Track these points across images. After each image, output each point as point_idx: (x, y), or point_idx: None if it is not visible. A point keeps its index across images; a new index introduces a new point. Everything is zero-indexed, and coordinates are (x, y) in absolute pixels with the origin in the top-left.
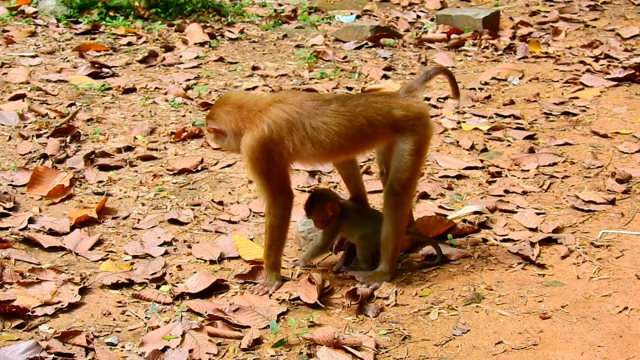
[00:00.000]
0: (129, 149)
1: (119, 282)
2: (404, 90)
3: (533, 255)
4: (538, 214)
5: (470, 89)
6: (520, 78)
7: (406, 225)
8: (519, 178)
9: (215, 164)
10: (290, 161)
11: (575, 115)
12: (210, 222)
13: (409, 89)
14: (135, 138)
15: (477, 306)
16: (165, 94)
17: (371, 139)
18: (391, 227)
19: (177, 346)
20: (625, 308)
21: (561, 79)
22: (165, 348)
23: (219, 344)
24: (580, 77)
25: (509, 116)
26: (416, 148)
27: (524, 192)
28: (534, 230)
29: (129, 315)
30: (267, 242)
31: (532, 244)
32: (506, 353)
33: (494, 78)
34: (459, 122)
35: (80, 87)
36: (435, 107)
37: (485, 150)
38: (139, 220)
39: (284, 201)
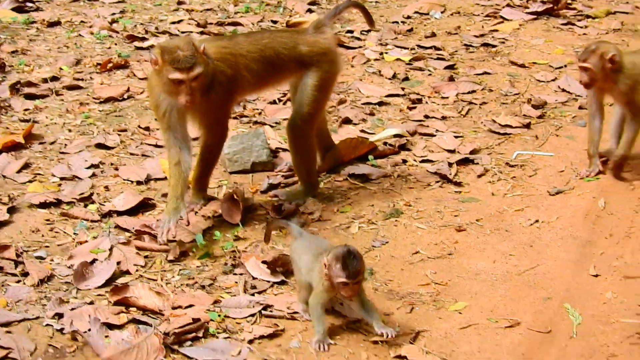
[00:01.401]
0: (54, 79)
1: (47, 201)
2: (312, 26)
3: (450, 174)
4: (456, 137)
5: (393, 22)
6: (442, 12)
7: (313, 151)
8: (438, 104)
9: (142, 93)
10: (229, 93)
11: (494, 46)
12: (137, 147)
13: (318, 25)
14: (60, 69)
15: (395, 220)
16: (91, 27)
17: (280, 72)
18: (297, 156)
19: (105, 259)
20: (536, 221)
21: (482, 13)
22: (94, 261)
23: (146, 257)
24: (500, 11)
25: (430, 47)
26: (320, 83)
27: (444, 117)
28: (452, 151)
29: (57, 232)
30: (199, 167)
31: (450, 164)
32: (422, 262)
33: (416, 12)
34: (381, 54)
35: (4, 20)
36: (358, 39)
37: (406, 79)
38: (65, 145)
39: (222, 131)
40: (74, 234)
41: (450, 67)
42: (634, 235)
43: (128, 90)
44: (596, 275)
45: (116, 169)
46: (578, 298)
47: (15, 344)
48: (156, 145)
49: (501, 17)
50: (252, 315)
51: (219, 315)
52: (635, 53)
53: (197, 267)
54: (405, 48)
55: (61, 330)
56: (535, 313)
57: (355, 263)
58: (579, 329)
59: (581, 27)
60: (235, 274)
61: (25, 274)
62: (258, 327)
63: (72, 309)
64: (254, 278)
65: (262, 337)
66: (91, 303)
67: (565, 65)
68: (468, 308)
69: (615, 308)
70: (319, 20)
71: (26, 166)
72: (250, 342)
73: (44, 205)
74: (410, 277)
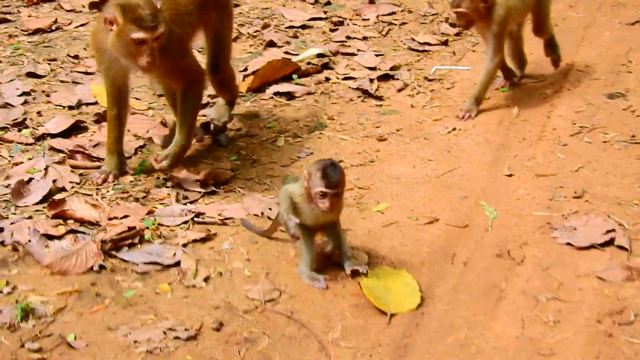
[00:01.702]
0: None
1: None
2: None
3: (372, 89)
4: (377, 55)
5: None
6: None
7: (233, 70)
8: (359, 26)
9: (69, 24)
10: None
11: None
12: (67, 74)
13: None
14: None
15: (320, 133)
16: None
17: (206, 19)
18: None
19: (41, 178)
20: (454, 129)
21: None
22: (30, 180)
23: (80, 174)
24: None
25: None
26: (230, 21)
27: (365, 38)
28: (373, 69)
29: None
30: (185, 116)
31: (371, 80)
32: (346, 169)
33: None
34: None
35: None
36: None
37: (328, 3)
38: None
39: (197, 74)
40: (10, 156)
41: None
42: (545, 139)
43: (56, 21)
44: (510, 175)
45: (47, 95)
46: (493, 196)
47: None
48: (86, 73)
49: None
50: (185, 222)
51: (153, 224)
52: None
53: (131, 182)
54: None
55: (2, 243)
56: (452, 211)
57: (335, 174)
58: (494, 223)
59: None
60: (167, 187)
61: None
62: (191, 232)
63: (12, 223)
64: (185, 190)
65: (195, 241)
66: (30, 218)
67: None
68: (390, 209)
69: (528, 203)
70: None
71: None
72: (184, 245)
73: None
74: None
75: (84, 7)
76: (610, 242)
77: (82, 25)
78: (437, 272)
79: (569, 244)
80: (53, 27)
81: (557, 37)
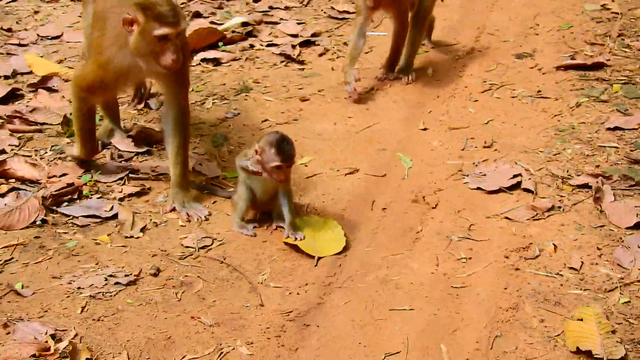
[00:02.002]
0: None
1: None
2: None
3: (294, 54)
4: (299, 23)
5: None
6: None
7: None
8: None
9: (1, 0)
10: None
11: None
12: (1, 47)
13: None
14: None
15: (246, 95)
16: None
17: None
18: None
19: None
20: (372, 89)
21: None
22: None
23: (19, 138)
24: None
25: None
26: None
27: (287, 8)
28: (295, 36)
29: None
30: (183, 152)
31: (293, 46)
32: (271, 127)
33: None
34: None
35: None
36: None
37: None
38: None
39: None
40: None
41: None
42: (458, 96)
43: None
44: (424, 129)
45: None
46: (409, 148)
47: None
48: (19, 45)
49: None
50: (121, 179)
51: (91, 180)
52: None
53: (67, 143)
54: None
55: None
56: (371, 162)
57: (288, 147)
58: (410, 172)
59: None
60: (104, 149)
61: None
62: (127, 187)
63: None
64: (120, 150)
65: (130, 195)
66: None
67: None
68: (313, 162)
69: (441, 153)
70: None
71: None
72: (121, 199)
73: None
74: None
75: None
76: (517, 186)
77: (13, 1)
78: (358, 218)
79: (479, 188)
80: None
81: (469, 5)
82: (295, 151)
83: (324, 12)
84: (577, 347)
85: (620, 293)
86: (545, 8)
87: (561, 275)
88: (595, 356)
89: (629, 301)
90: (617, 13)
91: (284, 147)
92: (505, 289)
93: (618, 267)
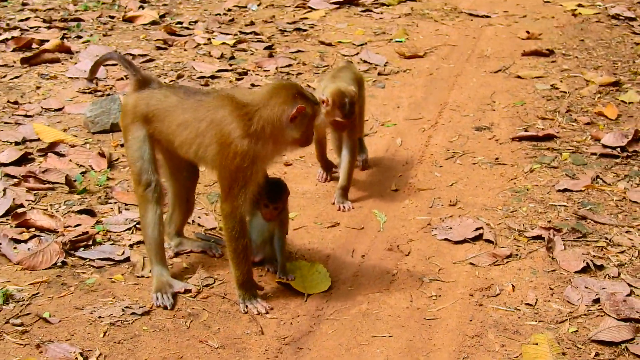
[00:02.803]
0: None
1: None
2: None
3: None
4: None
5: (216, 14)
6: (258, 5)
7: None
8: (261, 76)
9: (4, 76)
10: None
11: (305, 30)
12: (9, 117)
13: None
14: None
15: None
16: None
17: None
18: None
19: (1, 197)
20: None
21: (292, 4)
22: None
23: (35, 194)
24: (308, 2)
25: (251, 33)
26: None
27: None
28: None
29: None
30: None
31: None
32: None
33: (235, 5)
34: (209, 39)
35: None
36: (187, 28)
37: (232, 58)
38: None
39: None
40: None
41: (269, 48)
42: (425, 162)
43: None
44: (396, 190)
45: None
46: (383, 206)
47: None
48: (26, 116)
49: (309, 7)
50: (129, 228)
51: (103, 229)
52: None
53: (78, 199)
54: (229, 34)
55: None
56: (350, 217)
57: (277, 189)
58: (385, 226)
59: (378, 13)
60: (109, 203)
61: None
62: (135, 235)
63: None
64: (125, 204)
65: (139, 242)
66: None
67: (365, 43)
68: (298, 217)
69: (412, 210)
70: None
71: None
72: (131, 246)
73: None
74: None
75: (15, 62)
76: (479, 237)
77: (16, 77)
78: (340, 263)
79: (446, 239)
80: None
81: (432, 85)
82: (287, 195)
83: None
84: None
85: (570, 324)
86: (501, 87)
87: (519, 309)
88: None
89: (577, 330)
90: (565, 92)
91: (273, 189)
92: (471, 320)
93: (567, 304)
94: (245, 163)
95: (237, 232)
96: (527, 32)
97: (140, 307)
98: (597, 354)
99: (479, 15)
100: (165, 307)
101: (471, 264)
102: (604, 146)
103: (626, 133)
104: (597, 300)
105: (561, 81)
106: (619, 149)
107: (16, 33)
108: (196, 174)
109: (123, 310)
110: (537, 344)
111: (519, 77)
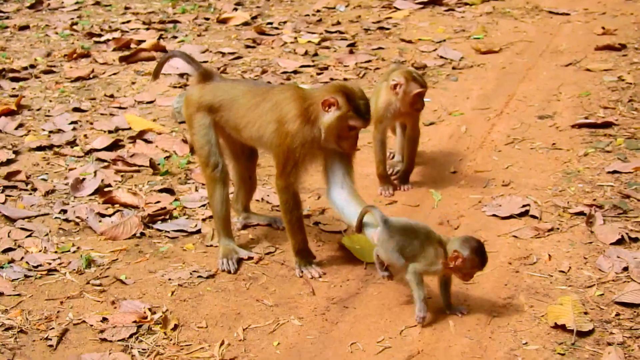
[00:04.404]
0: (32, 67)
1: (42, 145)
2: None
3: None
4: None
5: (305, 15)
6: (346, 6)
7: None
8: (341, 71)
9: (104, 73)
10: None
11: (388, 29)
12: (105, 109)
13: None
14: (35, 59)
15: None
16: (55, 28)
17: None
18: None
19: (92, 178)
20: None
21: (379, 5)
22: (84, 179)
23: (122, 176)
24: (394, 2)
25: (336, 32)
26: None
27: (345, 79)
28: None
29: (53, 164)
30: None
31: None
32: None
33: (324, 7)
34: (295, 38)
35: None
36: (276, 28)
37: (316, 55)
38: (49, 110)
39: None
40: (66, 165)
41: (352, 45)
42: (485, 147)
43: (93, 71)
44: (454, 172)
45: (91, 123)
46: (440, 185)
47: (35, 228)
48: (120, 107)
49: (394, 7)
50: (203, 205)
51: (180, 205)
52: None
53: (160, 180)
54: (315, 33)
55: (66, 220)
56: (408, 195)
57: (486, 255)
58: (439, 203)
59: (460, 12)
60: (187, 184)
61: (34, 189)
62: (208, 211)
63: (73, 207)
64: (202, 184)
65: (211, 217)
66: (85, 203)
67: (444, 40)
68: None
69: (466, 190)
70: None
71: (20, 125)
72: (204, 220)
73: (40, 148)
74: None
75: (114, 60)
76: (525, 213)
77: (114, 74)
78: None
79: (494, 215)
80: (91, 76)
81: (503, 78)
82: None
83: (376, 82)
84: (555, 323)
85: (597, 288)
86: (569, 80)
87: (552, 276)
88: (568, 329)
89: (603, 294)
90: (631, 83)
91: (484, 255)
92: (505, 285)
93: (598, 271)
94: (294, 144)
95: (291, 206)
96: (603, 27)
97: (206, 271)
98: (617, 314)
99: (559, 13)
100: (229, 272)
101: (514, 236)
102: None
103: None
104: (626, 268)
105: (629, 73)
106: None
107: (117, 34)
108: (255, 155)
109: (190, 274)
110: (562, 304)
111: (588, 70)
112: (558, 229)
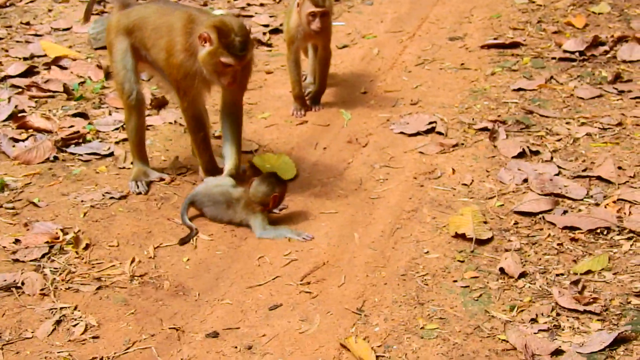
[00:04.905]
0: None
1: None
2: None
3: (264, 39)
4: (270, 16)
5: None
6: None
7: None
8: None
9: (21, 1)
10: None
11: None
12: (21, 37)
13: None
14: None
15: None
16: None
17: None
18: None
19: (6, 104)
20: None
21: None
22: None
23: (36, 101)
24: None
25: None
26: None
27: (262, 4)
28: (267, 26)
29: None
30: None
31: (264, 33)
32: None
33: None
34: None
35: None
36: None
37: None
38: None
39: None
40: None
41: None
42: (395, 68)
43: None
44: (364, 92)
45: (6, 51)
46: (350, 105)
47: None
48: (36, 35)
49: None
50: (117, 128)
51: (93, 129)
52: None
53: (74, 105)
54: None
55: None
56: (318, 115)
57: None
58: (349, 123)
59: None
60: (101, 108)
61: None
62: (121, 134)
63: None
64: (116, 108)
65: (124, 139)
66: None
67: None
68: (271, 116)
69: (375, 109)
70: None
71: None
72: (117, 143)
73: None
74: None
75: None
76: (431, 130)
77: (31, 1)
78: (304, 155)
79: (401, 132)
80: (7, 4)
81: (418, 2)
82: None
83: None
84: (456, 232)
85: (497, 199)
86: (481, 2)
87: (455, 189)
88: (468, 237)
89: (503, 204)
90: (541, 5)
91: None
92: (410, 198)
93: (499, 183)
94: (179, 75)
95: (193, 126)
96: None
97: (119, 192)
98: (515, 223)
99: None
100: (139, 193)
101: (420, 152)
102: (565, 51)
103: (587, 39)
104: (526, 180)
105: None
106: (577, 54)
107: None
108: None
109: (103, 195)
110: (462, 215)
111: None
112: (463, 144)
